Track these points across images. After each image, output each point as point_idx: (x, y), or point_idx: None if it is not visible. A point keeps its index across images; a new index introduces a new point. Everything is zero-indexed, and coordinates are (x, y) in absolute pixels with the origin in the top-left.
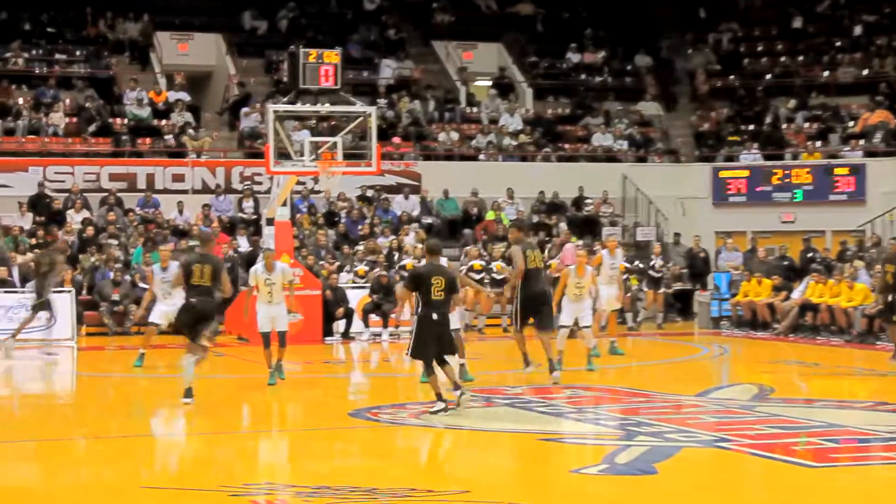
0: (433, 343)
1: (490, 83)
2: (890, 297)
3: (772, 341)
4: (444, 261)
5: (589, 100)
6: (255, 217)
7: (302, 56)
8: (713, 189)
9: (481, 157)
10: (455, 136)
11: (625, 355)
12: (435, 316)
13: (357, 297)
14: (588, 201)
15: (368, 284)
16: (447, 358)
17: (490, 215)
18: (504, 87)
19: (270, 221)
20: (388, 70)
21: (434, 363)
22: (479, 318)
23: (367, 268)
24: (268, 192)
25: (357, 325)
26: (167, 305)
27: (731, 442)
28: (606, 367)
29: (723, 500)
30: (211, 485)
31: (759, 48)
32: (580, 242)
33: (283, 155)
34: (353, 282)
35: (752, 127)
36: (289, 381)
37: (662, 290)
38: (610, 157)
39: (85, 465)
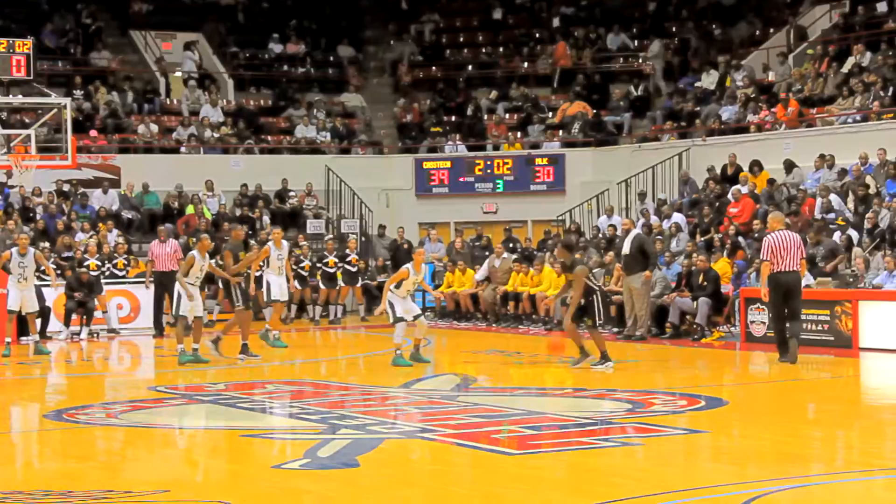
0: None
1: (182, 74)
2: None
3: (475, 331)
4: None
5: (291, 91)
6: None
7: None
8: (416, 180)
9: (182, 149)
10: (155, 128)
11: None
12: None
13: (53, 295)
14: (291, 194)
15: (64, 282)
16: None
17: (190, 209)
18: (203, 78)
19: None
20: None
21: None
22: None
23: (53, 266)
24: None
25: (55, 324)
26: None
27: (434, 432)
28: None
29: (425, 490)
30: None
31: (461, 39)
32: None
33: None
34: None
35: (454, 118)
36: None
37: (361, 283)
38: (313, 148)
39: None
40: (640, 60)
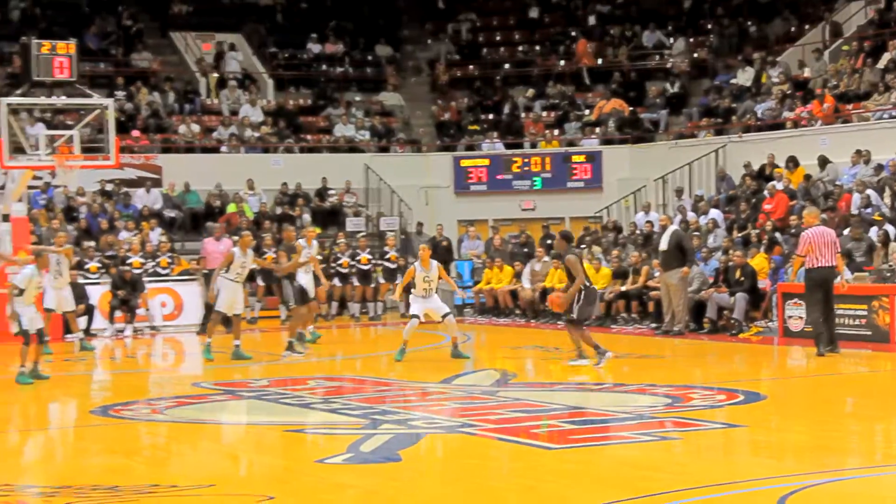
0: None
1: (227, 74)
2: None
3: (514, 327)
4: None
5: (330, 90)
6: None
7: (34, 47)
8: (455, 178)
9: (223, 149)
10: (196, 128)
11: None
12: None
13: (98, 294)
14: (331, 192)
15: (109, 281)
16: None
17: (232, 207)
18: (243, 79)
19: (6, 217)
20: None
21: None
22: None
23: (98, 265)
24: (2, 187)
25: (99, 321)
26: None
27: (475, 427)
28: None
29: (466, 484)
30: None
31: (497, 38)
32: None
33: (17, 149)
34: (86, 278)
35: (491, 116)
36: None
37: (399, 280)
38: (352, 147)
39: None
40: (672, 58)
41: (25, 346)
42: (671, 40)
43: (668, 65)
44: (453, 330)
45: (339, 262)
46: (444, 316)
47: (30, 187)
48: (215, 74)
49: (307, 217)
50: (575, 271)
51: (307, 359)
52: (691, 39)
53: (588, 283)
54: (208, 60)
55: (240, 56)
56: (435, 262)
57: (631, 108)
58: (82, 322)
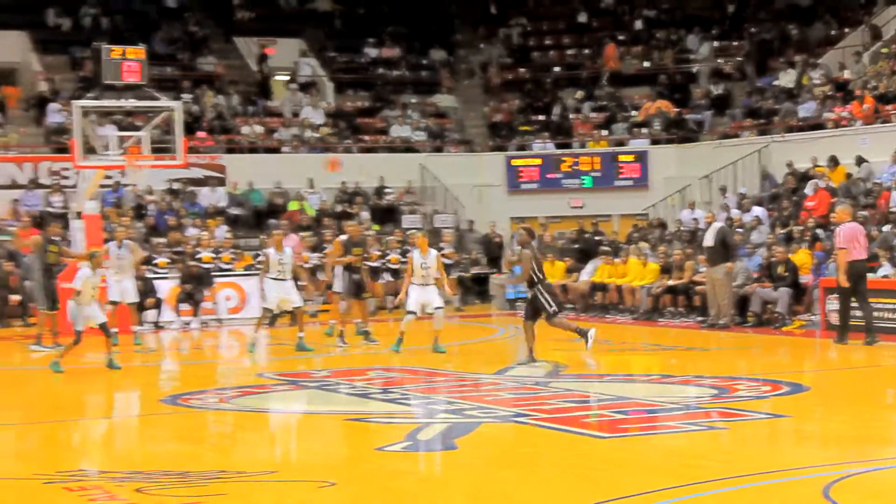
0: None
1: (288, 78)
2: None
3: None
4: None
5: (387, 93)
6: (63, 211)
7: (105, 52)
8: (507, 177)
9: (285, 149)
10: (259, 129)
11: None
12: None
13: (166, 288)
14: (388, 190)
15: (177, 275)
16: None
17: (293, 205)
18: (304, 82)
19: (79, 215)
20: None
21: None
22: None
23: (167, 260)
24: (75, 186)
25: (167, 314)
26: None
27: (528, 417)
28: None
29: (520, 472)
30: (24, 473)
31: (547, 42)
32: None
33: (89, 150)
34: (154, 273)
35: (542, 117)
36: (100, 369)
37: (455, 275)
38: (408, 147)
39: None
40: (699, 63)
41: (74, 343)
42: (710, 44)
43: (694, 69)
44: (439, 324)
45: (388, 258)
46: (436, 309)
47: (101, 186)
48: (277, 77)
49: (365, 214)
50: (525, 267)
51: (362, 350)
52: (735, 43)
53: (541, 277)
54: (271, 64)
55: (311, 61)
56: (434, 251)
57: (676, 110)
58: (152, 315)
